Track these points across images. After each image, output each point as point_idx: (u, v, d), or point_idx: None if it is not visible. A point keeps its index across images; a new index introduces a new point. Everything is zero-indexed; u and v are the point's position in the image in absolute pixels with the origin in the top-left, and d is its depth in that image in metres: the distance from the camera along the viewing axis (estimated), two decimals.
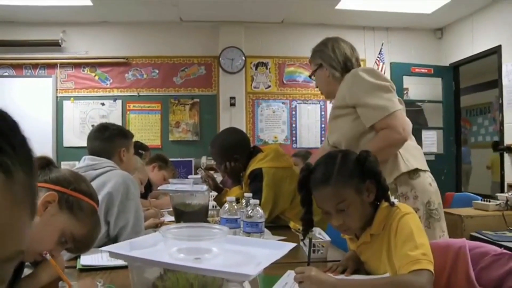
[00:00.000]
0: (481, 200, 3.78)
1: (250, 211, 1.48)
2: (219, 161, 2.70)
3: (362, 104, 1.94)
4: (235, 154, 2.61)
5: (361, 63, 6.50)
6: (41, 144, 5.29)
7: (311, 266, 1.33)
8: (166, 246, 0.90)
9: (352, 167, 1.34)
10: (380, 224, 1.35)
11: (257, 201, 1.53)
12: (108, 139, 2.19)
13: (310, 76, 2.37)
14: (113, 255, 0.91)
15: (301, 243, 1.75)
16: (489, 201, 3.69)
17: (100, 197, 1.83)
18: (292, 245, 0.98)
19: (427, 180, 1.94)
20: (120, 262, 1.50)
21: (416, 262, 1.17)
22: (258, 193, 2.36)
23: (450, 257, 1.33)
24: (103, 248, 0.93)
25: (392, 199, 1.37)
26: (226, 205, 1.59)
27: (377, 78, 1.97)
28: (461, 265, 1.30)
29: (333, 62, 2.16)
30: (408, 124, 1.96)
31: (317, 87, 2.32)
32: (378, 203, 1.38)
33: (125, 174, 2.06)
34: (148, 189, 3.41)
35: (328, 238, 1.74)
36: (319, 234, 1.78)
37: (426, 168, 1.97)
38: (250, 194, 1.64)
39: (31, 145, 0.49)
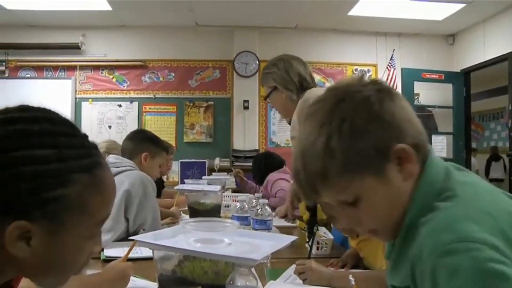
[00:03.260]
0: None
1: (259, 210, 1.61)
2: None
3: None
4: None
5: (372, 68, 6.42)
6: None
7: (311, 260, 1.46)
8: (185, 236, 1.04)
9: None
10: None
11: (266, 201, 1.65)
12: (136, 140, 2.35)
13: (265, 99, 2.29)
14: (141, 243, 1.06)
15: (306, 245, 1.80)
16: None
17: (119, 194, 1.99)
18: (293, 238, 1.11)
19: None
20: (138, 255, 1.65)
21: None
22: None
23: None
24: (133, 237, 1.07)
25: None
26: (238, 204, 1.72)
27: None
28: None
29: (288, 84, 2.09)
30: None
31: (272, 107, 2.35)
32: None
33: (143, 175, 2.19)
34: (160, 186, 3.45)
35: (331, 237, 1.86)
36: (324, 233, 1.90)
37: None
38: (260, 194, 1.76)
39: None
